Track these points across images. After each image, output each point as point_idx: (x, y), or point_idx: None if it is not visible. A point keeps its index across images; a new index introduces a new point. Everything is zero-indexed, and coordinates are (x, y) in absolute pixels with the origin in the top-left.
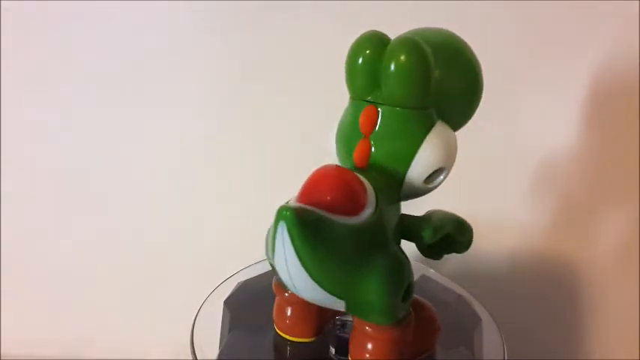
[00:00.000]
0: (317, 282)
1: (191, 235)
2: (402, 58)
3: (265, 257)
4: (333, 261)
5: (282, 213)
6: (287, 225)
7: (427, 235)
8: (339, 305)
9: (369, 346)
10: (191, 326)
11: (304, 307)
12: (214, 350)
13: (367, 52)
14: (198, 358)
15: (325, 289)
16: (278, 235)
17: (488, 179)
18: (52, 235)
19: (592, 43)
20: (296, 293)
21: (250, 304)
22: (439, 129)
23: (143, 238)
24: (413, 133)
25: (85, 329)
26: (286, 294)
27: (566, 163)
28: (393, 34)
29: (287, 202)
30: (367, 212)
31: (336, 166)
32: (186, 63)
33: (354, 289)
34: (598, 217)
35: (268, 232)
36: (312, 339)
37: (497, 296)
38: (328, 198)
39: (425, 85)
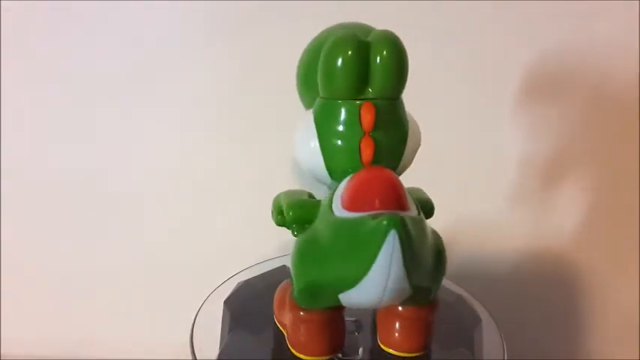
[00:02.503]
0: (410, 282)
1: (191, 235)
2: (392, 54)
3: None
4: (424, 256)
5: (388, 223)
6: (399, 234)
7: (432, 210)
8: (404, 297)
9: (404, 327)
10: (191, 326)
11: (320, 325)
12: (214, 350)
13: (349, 52)
14: (198, 358)
15: (412, 287)
16: (386, 246)
17: (490, 180)
18: (51, 235)
19: (592, 43)
20: (375, 302)
21: (250, 304)
22: (409, 113)
23: (143, 238)
24: (401, 121)
25: (85, 329)
26: (301, 312)
27: (567, 164)
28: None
29: (343, 215)
30: (413, 205)
31: (372, 167)
32: (186, 63)
33: (430, 276)
34: (598, 217)
35: (311, 250)
36: (327, 357)
37: (497, 296)
38: (377, 202)
39: (407, 75)
